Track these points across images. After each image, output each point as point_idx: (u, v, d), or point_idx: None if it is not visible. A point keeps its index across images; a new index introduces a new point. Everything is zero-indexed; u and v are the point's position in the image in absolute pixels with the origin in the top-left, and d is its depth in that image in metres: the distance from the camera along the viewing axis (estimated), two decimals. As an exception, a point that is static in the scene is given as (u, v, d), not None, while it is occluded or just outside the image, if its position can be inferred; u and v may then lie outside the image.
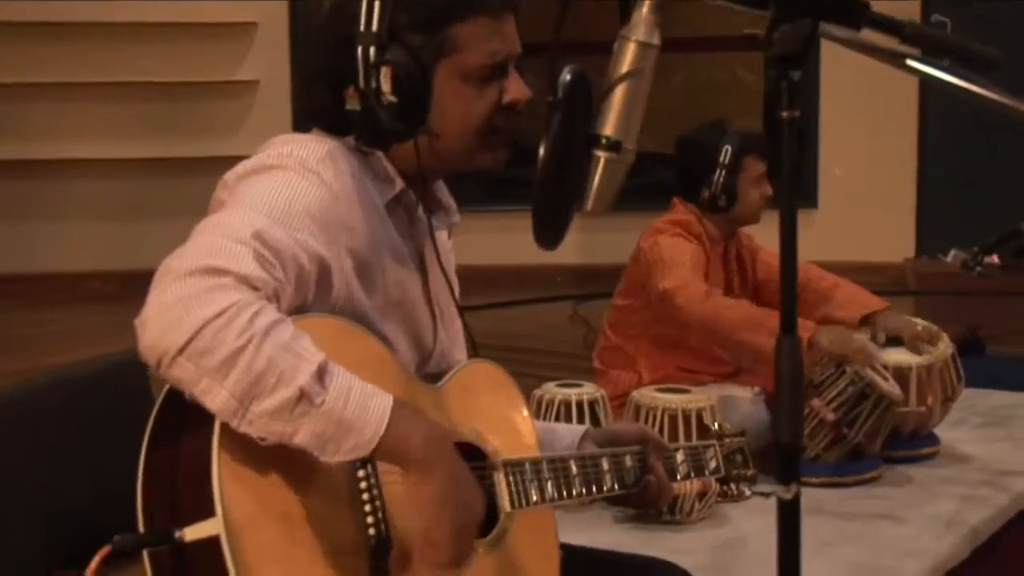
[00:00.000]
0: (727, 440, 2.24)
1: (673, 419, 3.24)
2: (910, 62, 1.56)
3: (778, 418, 1.39)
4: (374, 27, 1.71)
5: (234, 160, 1.78)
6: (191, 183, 6.94)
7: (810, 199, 7.82)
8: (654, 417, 3.26)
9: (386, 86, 1.72)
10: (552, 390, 3.40)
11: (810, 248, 6.65)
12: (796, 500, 1.39)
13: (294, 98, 7.44)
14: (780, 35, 1.35)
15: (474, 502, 1.66)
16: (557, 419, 3.32)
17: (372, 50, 1.72)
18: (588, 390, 3.41)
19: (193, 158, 7.37)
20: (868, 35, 1.50)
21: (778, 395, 1.39)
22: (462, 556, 1.65)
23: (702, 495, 3.21)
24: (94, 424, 1.99)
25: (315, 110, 1.82)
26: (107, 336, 5.58)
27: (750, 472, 2.25)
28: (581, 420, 3.32)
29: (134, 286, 1.69)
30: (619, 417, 3.50)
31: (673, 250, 3.69)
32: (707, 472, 2.18)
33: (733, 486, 2.28)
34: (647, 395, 3.33)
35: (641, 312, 3.81)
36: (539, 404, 3.37)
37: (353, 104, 1.74)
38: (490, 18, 1.78)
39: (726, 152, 3.76)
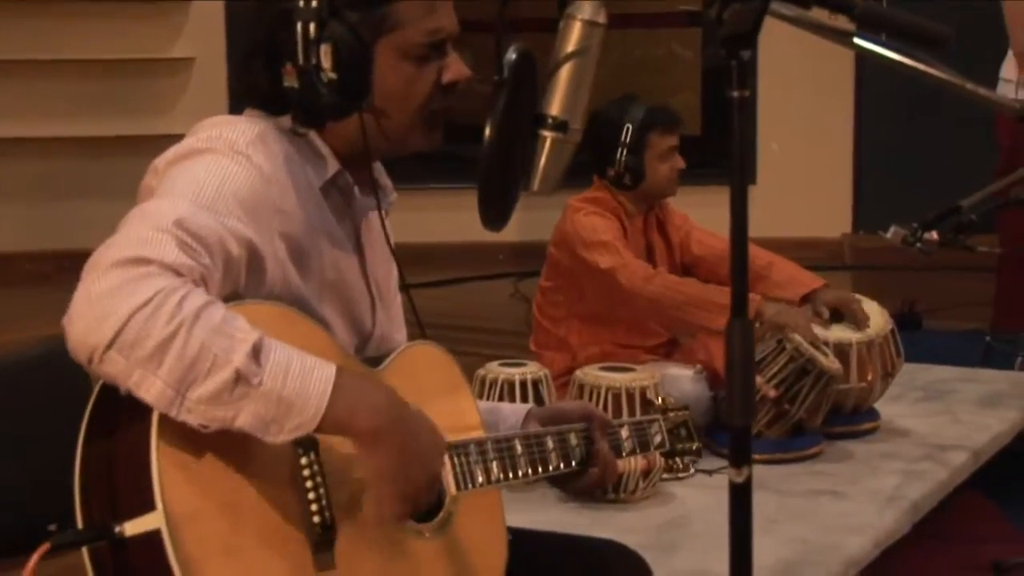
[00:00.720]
0: (671, 414, 2.23)
1: (617, 397, 3.23)
2: (857, 40, 1.56)
3: (730, 402, 1.38)
4: (313, 2, 1.68)
5: (169, 138, 1.75)
6: (126, 162, 6.84)
7: (748, 175, 7.84)
8: (598, 396, 3.25)
9: (326, 62, 1.69)
10: (495, 369, 3.39)
11: (749, 223, 6.69)
12: (748, 483, 1.38)
13: (230, 76, 7.34)
14: (731, 14, 1.33)
15: (429, 462, 1.67)
16: (500, 398, 3.31)
17: (312, 26, 1.68)
18: (531, 369, 3.40)
19: (128, 136, 7.26)
20: (815, 13, 1.49)
21: (729, 379, 1.38)
22: (405, 516, 1.68)
23: (646, 473, 3.21)
24: (27, 409, 1.95)
25: (250, 87, 1.78)
26: (39, 318, 5.47)
27: (695, 445, 2.26)
28: (524, 399, 3.31)
29: (67, 267, 1.66)
30: (562, 397, 3.49)
31: (593, 229, 3.68)
32: (652, 447, 2.18)
33: (679, 460, 2.28)
34: (591, 374, 3.33)
35: (567, 292, 3.81)
36: (482, 383, 3.35)
37: (291, 81, 1.71)
38: None
39: (627, 131, 3.71)
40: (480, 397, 3.31)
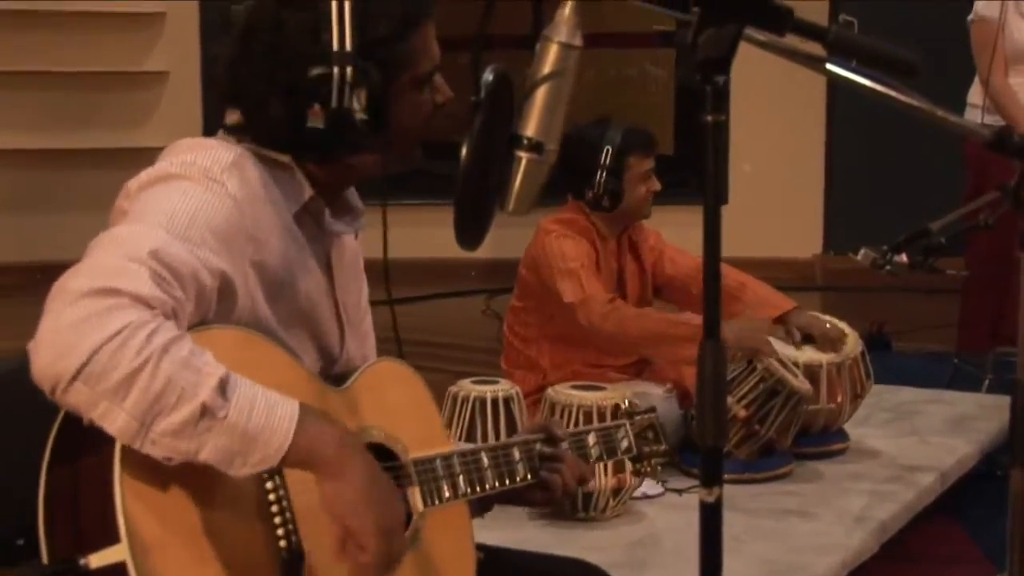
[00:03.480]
0: (638, 418, 2.24)
1: (588, 416, 3.24)
2: (829, 66, 1.57)
3: (701, 422, 1.39)
4: (347, 46, 1.68)
5: (144, 151, 1.75)
6: (100, 174, 6.82)
7: (720, 195, 7.87)
8: (569, 414, 3.27)
9: (358, 104, 1.69)
10: (467, 387, 3.39)
11: (721, 243, 6.71)
12: (719, 503, 1.39)
13: (204, 90, 7.33)
14: (706, 39, 1.35)
15: (393, 500, 1.64)
16: (472, 416, 3.32)
17: (348, 69, 1.68)
18: (503, 387, 3.41)
19: (103, 149, 7.24)
20: (787, 39, 1.51)
21: (700, 399, 1.39)
22: (393, 556, 1.61)
23: (616, 492, 3.22)
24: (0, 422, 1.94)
25: (262, 124, 1.75)
26: (13, 329, 5.44)
27: (662, 447, 2.25)
28: (496, 417, 3.32)
29: (40, 279, 1.64)
30: (533, 415, 3.50)
31: (563, 256, 3.69)
32: (619, 452, 2.17)
33: (646, 464, 2.28)
34: (562, 392, 3.34)
35: (537, 313, 3.83)
36: (454, 401, 3.36)
37: (316, 122, 1.70)
38: (430, 23, 1.78)
39: (607, 153, 3.72)
40: (452, 414, 3.33)
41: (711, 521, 1.41)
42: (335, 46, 1.68)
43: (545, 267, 3.71)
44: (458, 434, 3.29)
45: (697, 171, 8.14)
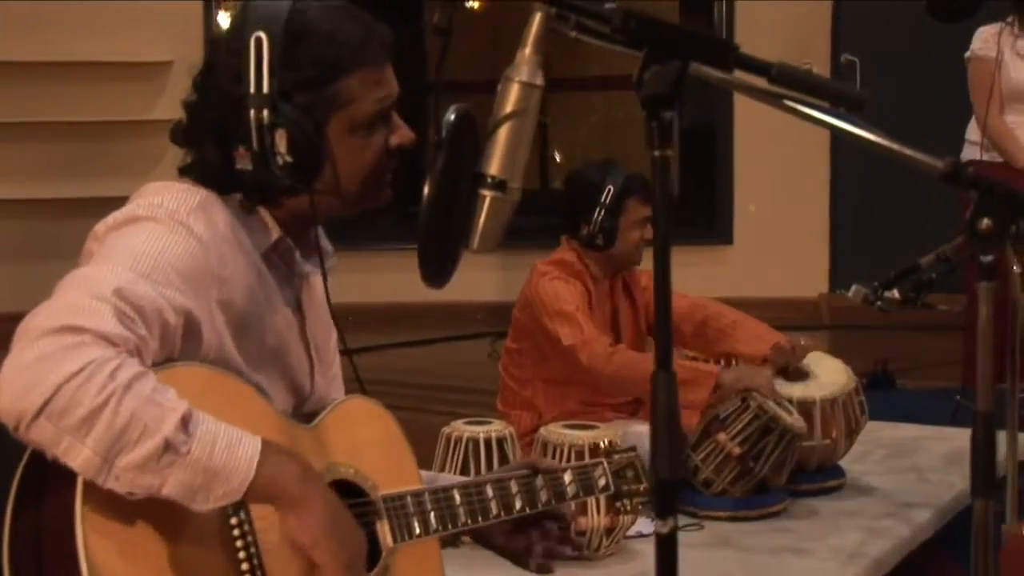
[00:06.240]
0: (616, 456, 2.25)
1: (580, 455, 3.24)
2: (787, 102, 1.59)
3: (657, 454, 1.41)
4: (264, 88, 1.71)
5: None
6: (105, 223, 6.86)
7: (726, 235, 7.90)
8: (561, 453, 3.27)
9: (281, 147, 1.72)
10: (460, 427, 3.40)
11: (726, 283, 6.71)
12: (673, 534, 1.40)
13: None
14: (651, 75, 1.37)
15: (356, 534, 1.68)
16: (465, 457, 3.32)
17: (265, 112, 1.71)
18: (496, 427, 3.42)
19: (108, 198, 7.26)
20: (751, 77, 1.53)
21: (655, 431, 1.41)
22: None
23: (610, 530, 3.22)
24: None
25: (201, 166, 1.80)
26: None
27: (642, 486, 2.26)
28: (489, 458, 3.32)
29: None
30: (527, 455, 3.50)
31: (557, 298, 3.72)
32: (597, 490, 2.19)
33: (626, 502, 2.28)
34: (554, 432, 3.35)
35: (530, 355, 3.85)
36: (447, 441, 3.37)
37: (244, 164, 1.73)
38: (374, 68, 1.80)
39: (608, 192, 3.77)
40: (445, 455, 3.33)
41: (667, 552, 1.42)
42: (252, 89, 1.70)
43: (539, 309, 3.73)
44: (452, 475, 3.29)
45: (700, 211, 8.19)
